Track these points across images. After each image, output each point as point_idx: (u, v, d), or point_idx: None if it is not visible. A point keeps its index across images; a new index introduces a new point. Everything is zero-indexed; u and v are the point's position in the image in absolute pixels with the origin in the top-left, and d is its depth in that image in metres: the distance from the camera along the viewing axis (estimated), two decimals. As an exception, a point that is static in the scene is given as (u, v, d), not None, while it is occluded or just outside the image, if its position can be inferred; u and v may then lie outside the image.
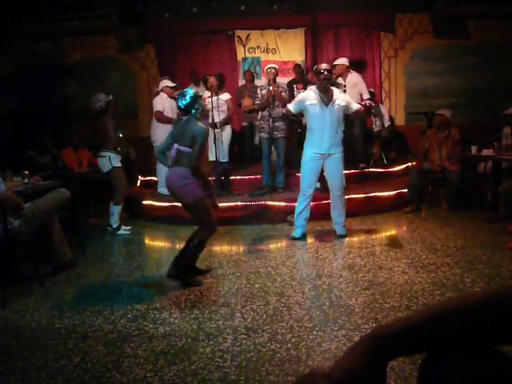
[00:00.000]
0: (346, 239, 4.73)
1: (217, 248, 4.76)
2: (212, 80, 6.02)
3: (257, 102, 6.06)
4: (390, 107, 8.03)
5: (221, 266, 4.01)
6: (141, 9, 7.66)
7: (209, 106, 5.88)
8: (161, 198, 6.16)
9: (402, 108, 8.13)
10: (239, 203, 5.62)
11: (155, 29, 7.97)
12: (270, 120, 5.80)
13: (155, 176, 6.56)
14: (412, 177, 5.77)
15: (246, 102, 6.47)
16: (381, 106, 7.63)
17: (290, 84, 6.83)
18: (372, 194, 5.86)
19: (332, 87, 4.55)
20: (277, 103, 5.81)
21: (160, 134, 6.17)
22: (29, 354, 2.55)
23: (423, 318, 0.77)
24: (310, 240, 4.78)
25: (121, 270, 4.08)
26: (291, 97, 5.87)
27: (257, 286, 3.49)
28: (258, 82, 7.52)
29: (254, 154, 7.37)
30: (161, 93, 6.26)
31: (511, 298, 0.73)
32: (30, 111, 7.85)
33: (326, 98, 4.40)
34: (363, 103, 4.81)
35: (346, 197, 5.69)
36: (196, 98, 3.55)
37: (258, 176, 6.37)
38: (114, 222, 5.39)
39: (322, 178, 4.87)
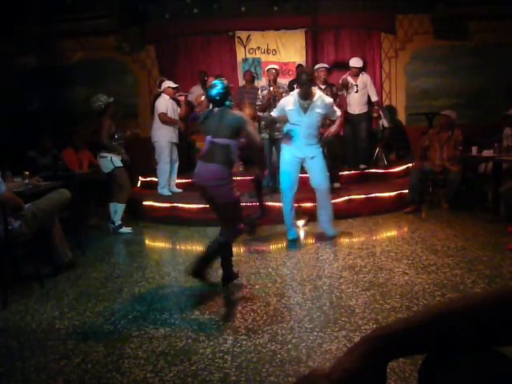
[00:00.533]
0: (347, 240, 4.73)
1: (217, 249, 4.76)
2: (211, 81, 6.02)
3: (258, 103, 6.06)
4: (390, 108, 8.01)
5: (221, 267, 4.00)
6: (141, 9, 7.66)
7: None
8: (161, 198, 6.16)
9: (403, 109, 8.12)
10: (239, 204, 5.62)
11: (156, 29, 7.97)
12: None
13: (155, 177, 6.56)
14: (412, 177, 5.77)
15: (248, 112, 6.47)
16: (382, 106, 7.67)
17: (290, 84, 6.83)
18: (373, 195, 5.86)
19: (317, 91, 4.47)
20: (277, 104, 5.80)
21: (162, 135, 6.18)
22: (29, 355, 2.56)
23: (424, 318, 0.77)
24: (310, 241, 4.78)
25: (121, 271, 4.08)
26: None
27: (257, 286, 3.49)
28: (258, 83, 7.52)
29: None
30: (163, 94, 6.25)
31: (511, 299, 0.73)
32: (31, 112, 7.86)
33: (306, 103, 4.34)
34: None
35: (347, 197, 5.74)
36: (229, 88, 3.41)
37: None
38: (117, 219, 5.41)
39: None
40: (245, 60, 8.05)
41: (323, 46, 8.07)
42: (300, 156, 4.47)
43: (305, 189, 4.79)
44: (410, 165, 6.69)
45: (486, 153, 5.39)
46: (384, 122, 7.35)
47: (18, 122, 7.58)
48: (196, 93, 7.24)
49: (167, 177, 6.32)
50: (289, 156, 4.49)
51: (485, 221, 5.05)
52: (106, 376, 2.29)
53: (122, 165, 5.31)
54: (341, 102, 6.62)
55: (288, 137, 4.43)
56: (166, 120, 6.11)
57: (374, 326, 2.68)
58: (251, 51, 8.08)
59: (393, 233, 5.10)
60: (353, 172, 6.76)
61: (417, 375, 0.81)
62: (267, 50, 8.07)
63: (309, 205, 5.26)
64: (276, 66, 6.34)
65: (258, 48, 8.08)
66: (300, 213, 5.21)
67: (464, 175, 5.82)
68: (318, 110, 4.35)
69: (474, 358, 0.73)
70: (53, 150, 6.89)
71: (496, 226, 4.79)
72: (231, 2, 7.35)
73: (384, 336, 0.75)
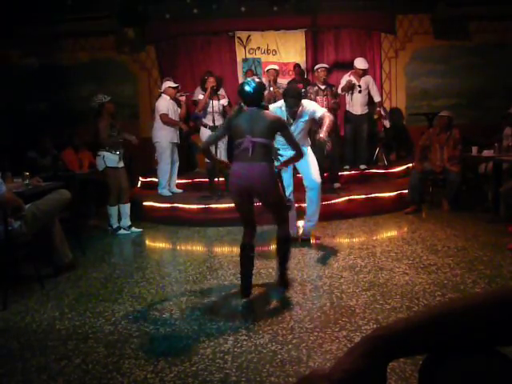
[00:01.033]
0: (347, 240, 4.73)
1: (217, 249, 4.77)
2: (211, 81, 6.02)
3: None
4: (390, 108, 8.02)
5: (221, 267, 4.01)
6: (141, 10, 7.65)
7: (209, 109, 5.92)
8: (161, 199, 6.16)
9: (403, 109, 8.12)
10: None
11: (156, 30, 7.97)
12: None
13: (155, 177, 6.56)
14: (413, 178, 5.77)
15: None
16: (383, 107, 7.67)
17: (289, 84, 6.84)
18: (373, 195, 5.87)
19: (303, 102, 4.35)
20: None
21: (164, 135, 6.18)
22: (29, 356, 2.56)
23: (424, 318, 0.77)
24: (310, 241, 4.77)
25: (121, 271, 4.08)
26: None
27: (257, 286, 3.48)
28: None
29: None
30: (163, 94, 6.24)
31: (511, 299, 0.73)
32: (31, 112, 7.86)
33: (292, 117, 4.25)
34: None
35: (347, 197, 5.74)
36: (265, 88, 3.31)
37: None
38: (114, 222, 5.42)
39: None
40: (245, 60, 8.05)
41: (323, 47, 8.07)
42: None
43: (304, 189, 4.78)
44: (410, 165, 6.69)
45: (486, 153, 5.39)
46: (385, 123, 7.35)
47: (18, 123, 7.58)
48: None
49: (168, 177, 6.32)
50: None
51: (485, 221, 5.05)
52: (107, 376, 2.29)
53: (115, 165, 5.27)
54: (341, 102, 6.63)
55: (283, 164, 3.93)
56: (166, 121, 6.10)
57: (375, 326, 2.68)
58: (251, 51, 8.07)
59: (393, 233, 5.10)
60: (353, 172, 6.77)
61: (417, 375, 0.81)
62: (267, 50, 8.07)
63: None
64: (276, 67, 6.35)
65: (258, 48, 8.08)
66: (302, 213, 5.20)
67: (464, 175, 5.82)
68: (305, 118, 4.30)
69: (473, 358, 0.73)
70: (53, 150, 6.88)
71: (496, 226, 4.79)
72: (231, 2, 7.34)
73: (384, 336, 0.75)
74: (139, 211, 6.17)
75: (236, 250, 4.62)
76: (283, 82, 6.90)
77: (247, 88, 3.18)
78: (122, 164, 5.36)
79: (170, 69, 7.97)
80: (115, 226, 5.42)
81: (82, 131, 7.16)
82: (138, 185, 7.40)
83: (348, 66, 6.97)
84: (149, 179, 7.14)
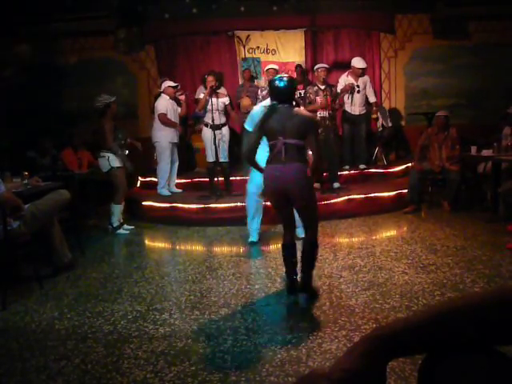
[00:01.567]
0: (346, 239, 4.73)
1: (217, 248, 4.77)
2: (211, 79, 6.02)
3: (257, 103, 6.06)
4: (389, 108, 8.02)
5: (221, 267, 4.01)
6: (140, 9, 7.65)
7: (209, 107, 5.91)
8: (160, 198, 6.16)
9: (402, 108, 8.12)
10: (239, 203, 5.60)
11: (155, 29, 7.96)
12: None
13: (155, 177, 6.56)
14: (412, 177, 5.77)
15: (245, 102, 6.47)
16: (382, 106, 7.67)
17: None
18: (372, 195, 5.86)
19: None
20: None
21: (163, 135, 6.16)
22: (29, 356, 2.55)
23: (423, 318, 0.77)
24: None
25: (121, 271, 4.08)
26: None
27: (257, 286, 3.49)
28: (258, 83, 7.51)
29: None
30: (162, 94, 6.23)
31: (511, 299, 0.73)
32: (30, 112, 7.85)
33: None
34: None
35: (346, 197, 5.74)
36: (296, 83, 3.18)
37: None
38: (115, 221, 5.43)
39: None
40: (244, 60, 8.05)
41: (322, 46, 8.07)
42: None
43: None
44: (410, 164, 6.69)
45: (486, 152, 5.39)
46: (384, 122, 7.35)
47: (18, 123, 7.58)
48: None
49: (167, 177, 6.32)
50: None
51: (484, 220, 5.05)
52: (106, 376, 2.29)
53: (119, 165, 5.29)
54: (341, 102, 6.62)
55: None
56: (164, 121, 6.09)
57: (374, 325, 2.68)
58: (251, 51, 8.08)
59: (392, 232, 5.10)
60: (352, 172, 6.77)
61: (416, 374, 0.81)
62: (267, 49, 8.07)
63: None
64: (275, 66, 6.34)
65: (258, 48, 8.08)
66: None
67: (463, 175, 5.82)
68: None
69: (473, 358, 0.73)
70: (52, 150, 6.89)
71: (495, 226, 4.80)
72: (230, 1, 7.34)
73: (384, 336, 0.75)
74: (138, 211, 6.18)
75: (235, 249, 4.65)
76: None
77: (280, 84, 3.09)
78: (128, 164, 5.40)
79: (169, 68, 7.97)
80: (115, 224, 5.42)
81: (82, 131, 7.17)
82: (138, 184, 7.39)
83: (347, 66, 6.95)
84: (148, 179, 7.14)
